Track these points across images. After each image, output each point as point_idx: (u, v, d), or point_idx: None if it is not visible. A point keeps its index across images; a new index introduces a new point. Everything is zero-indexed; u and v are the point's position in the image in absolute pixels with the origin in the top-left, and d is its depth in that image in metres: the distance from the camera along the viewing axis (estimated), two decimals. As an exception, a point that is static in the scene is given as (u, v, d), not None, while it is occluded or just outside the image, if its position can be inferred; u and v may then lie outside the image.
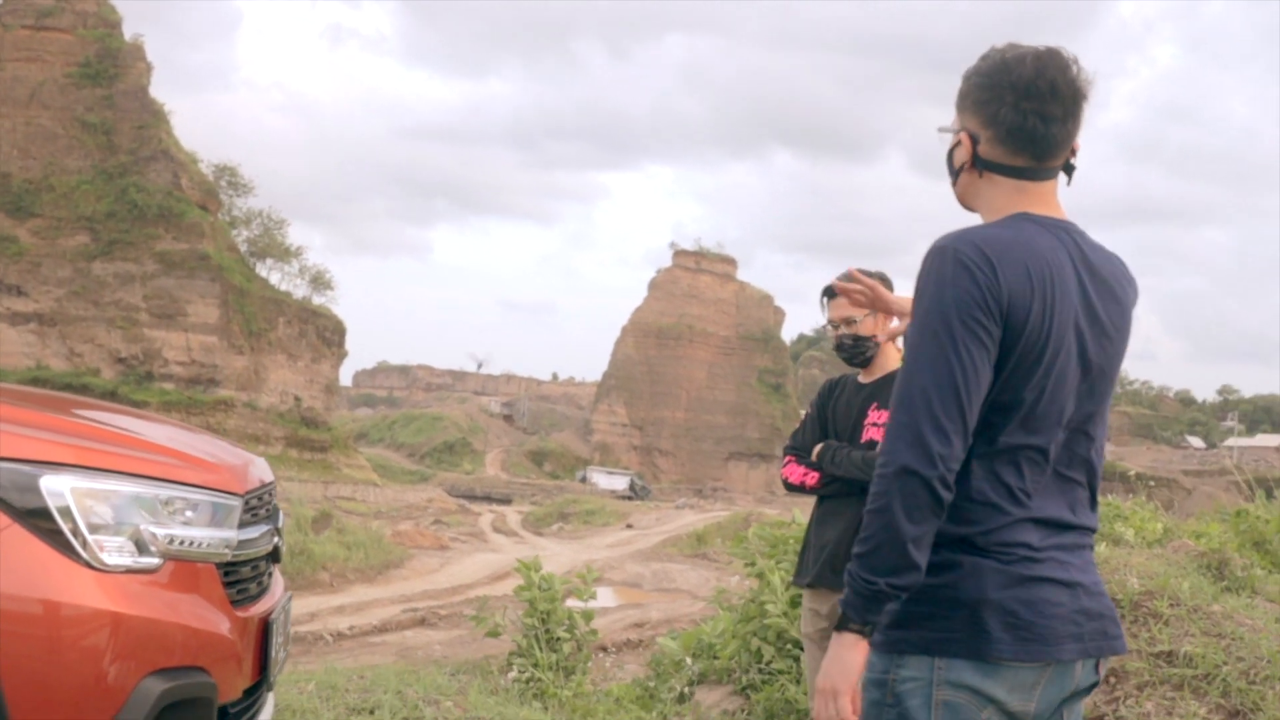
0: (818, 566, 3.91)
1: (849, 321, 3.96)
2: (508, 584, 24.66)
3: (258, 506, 2.95)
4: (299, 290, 65.63)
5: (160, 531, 2.52)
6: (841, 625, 1.94)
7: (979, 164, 2.06)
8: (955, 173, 2.13)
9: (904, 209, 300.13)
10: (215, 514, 2.69)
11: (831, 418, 4.05)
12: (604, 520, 42.84)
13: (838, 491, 3.89)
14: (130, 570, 2.45)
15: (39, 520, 2.36)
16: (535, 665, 5.67)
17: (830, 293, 3.99)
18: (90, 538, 2.40)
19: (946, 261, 1.90)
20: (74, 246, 54.87)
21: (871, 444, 3.86)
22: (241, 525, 2.79)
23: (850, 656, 1.94)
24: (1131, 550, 5.95)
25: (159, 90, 59.85)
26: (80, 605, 2.35)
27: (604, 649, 14.95)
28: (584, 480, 76.51)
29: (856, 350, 3.97)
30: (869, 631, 1.93)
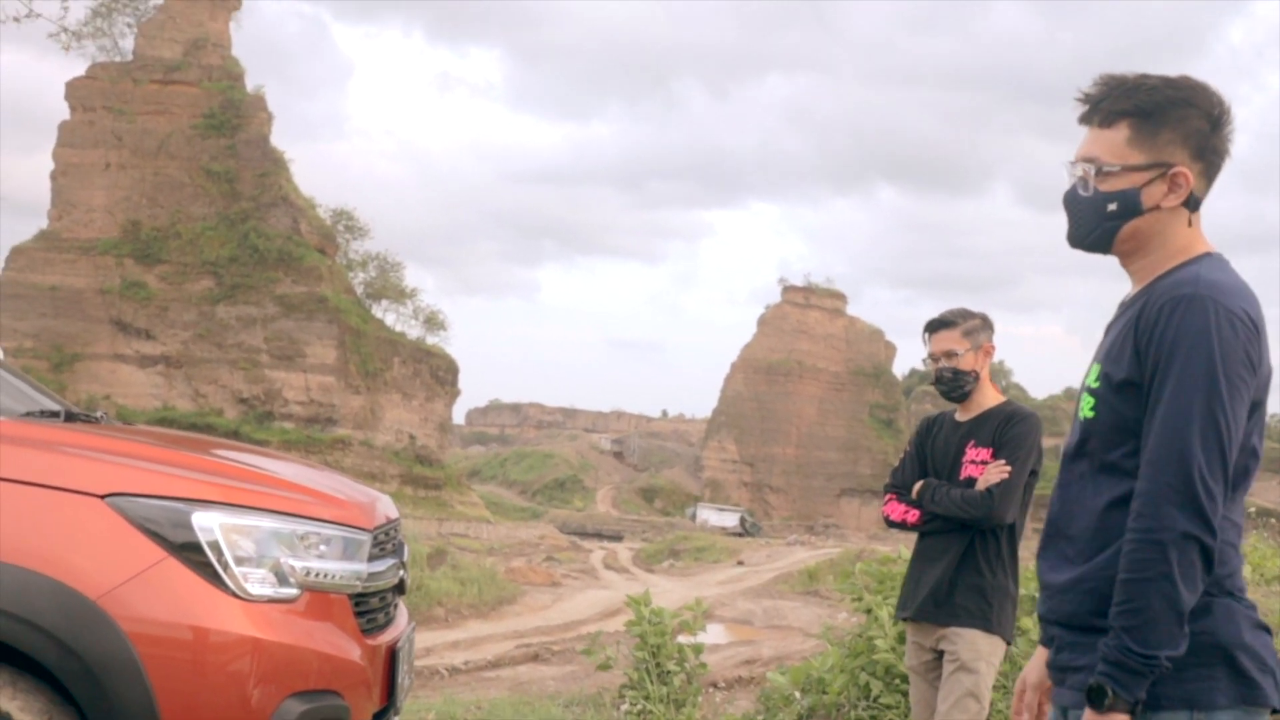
0: (920, 600, 3.97)
1: (950, 355, 4.01)
2: (619, 620, 24.76)
3: (385, 541, 3.14)
4: (413, 331, 67.00)
5: (298, 564, 2.72)
6: (1109, 707, 1.80)
7: (1189, 203, 1.97)
8: (1133, 215, 1.98)
9: (1010, 242, 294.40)
10: (347, 548, 2.88)
11: (930, 455, 4.11)
12: (715, 557, 42.70)
13: (939, 529, 3.95)
14: (272, 600, 2.65)
15: (190, 554, 2.57)
16: (646, 698, 5.79)
17: (933, 326, 4.07)
18: (236, 569, 2.60)
19: (1214, 315, 1.83)
20: (199, 291, 56.87)
21: (970, 481, 3.91)
22: (371, 559, 2.98)
23: None
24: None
25: (279, 139, 61.79)
26: (228, 632, 2.55)
27: (715, 685, 14.95)
28: (694, 517, 76.29)
29: (956, 384, 4.03)
30: (1139, 710, 1.81)
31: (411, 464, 58.57)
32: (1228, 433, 1.82)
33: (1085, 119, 2.06)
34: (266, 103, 61.04)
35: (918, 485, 4.02)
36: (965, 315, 4.09)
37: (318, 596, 2.76)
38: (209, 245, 57.20)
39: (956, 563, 3.91)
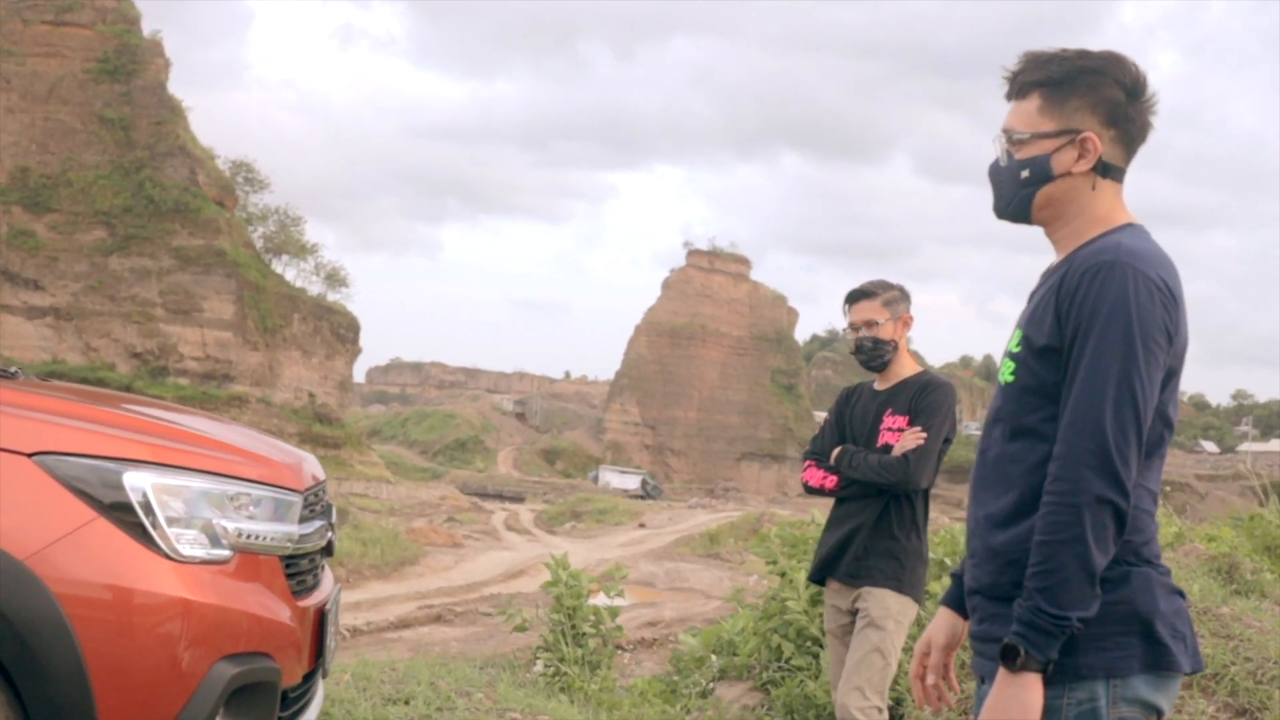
0: (836, 563, 4.07)
1: (870, 324, 4.09)
2: (522, 582, 24.81)
3: (314, 502, 3.11)
4: (314, 287, 65.93)
5: (230, 525, 2.68)
6: (1021, 665, 1.83)
7: (1101, 168, 2.00)
8: (1044, 181, 2.03)
9: (911, 212, 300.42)
10: (278, 509, 2.85)
11: (849, 423, 4.20)
12: (616, 519, 42.98)
13: (855, 494, 4.04)
14: (204, 561, 2.61)
15: (121, 514, 2.52)
16: (561, 660, 5.83)
17: (854, 296, 4.16)
18: (168, 530, 2.56)
19: (1132, 283, 1.86)
20: (91, 241, 55.16)
21: (887, 448, 4.00)
22: (301, 520, 2.95)
23: (1032, 698, 1.84)
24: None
25: (176, 87, 60.01)
26: (160, 593, 2.51)
27: (620, 647, 15.11)
28: (596, 479, 76.60)
29: (875, 353, 4.10)
30: (1051, 669, 1.84)
31: (311, 422, 57.73)
32: (1143, 398, 1.84)
33: (1007, 95, 2.11)
34: (164, 48, 59.23)
35: (836, 451, 4.10)
36: (885, 286, 4.17)
37: (249, 558, 2.72)
38: (101, 194, 55.46)
39: (871, 527, 4.00)
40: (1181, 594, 1.97)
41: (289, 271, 64.75)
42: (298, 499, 2.94)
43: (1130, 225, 2.01)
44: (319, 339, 62.56)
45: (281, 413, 56.26)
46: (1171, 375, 1.92)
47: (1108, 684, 1.87)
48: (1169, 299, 1.89)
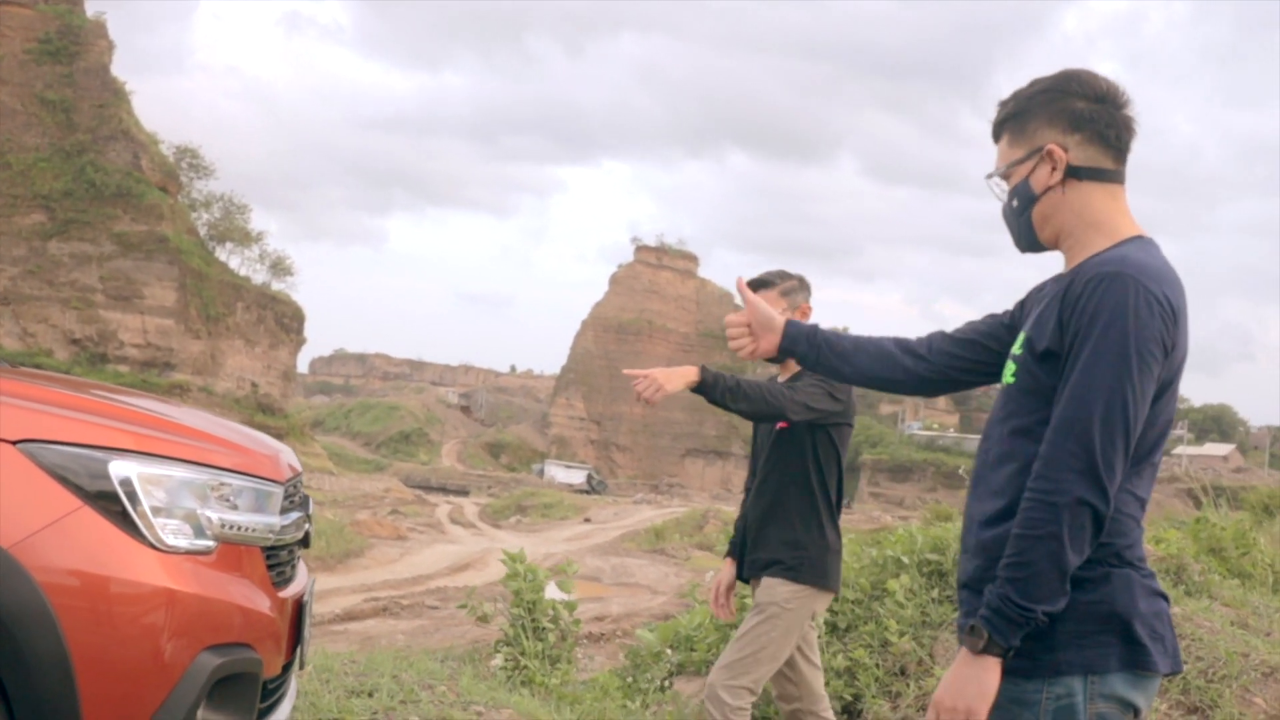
0: (745, 560, 4.13)
1: None
2: (469, 575, 24.72)
3: (293, 494, 3.10)
4: (258, 276, 65.29)
5: (214, 515, 2.66)
6: (982, 649, 1.91)
7: (1074, 173, 2.07)
8: (1031, 203, 2.12)
9: (855, 212, 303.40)
10: (261, 500, 2.83)
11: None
12: (562, 514, 42.93)
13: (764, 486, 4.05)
14: (189, 552, 2.59)
15: (106, 503, 2.50)
16: (522, 654, 5.83)
17: (752, 286, 4.06)
18: (153, 520, 2.54)
19: (1133, 295, 1.90)
20: (29, 225, 54.21)
21: (783, 431, 3.99)
22: (281, 511, 2.94)
23: (990, 680, 1.91)
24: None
25: (118, 71, 59.04)
26: (145, 583, 2.48)
27: (563, 640, 15.12)
28: (541, 473, 76.51)
29: None
30: (1011, 655, 1.91)
31: (253, 412, 57.16)
32: (1133, 407, 1.89)
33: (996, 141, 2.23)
34: (107, 30, 58.29)
35: (693, 373, 3.65)
36: (784, 276, 4.12)
37: (232, 549, 2.71)
38: (41, 178, 54.52)
39: (771, 518, 4.00)
40: (1165, 597, 2.03)
41: (233, 259, 64.12)
42: (279, 490, 2.93)
43: (1139, 238, 2.06)
44: (263, 328, 61.98)
45: (223, 402, 55.65)
46: (1167, 386, 1.98)
47: (1085, 680, 1.92)
48: (1168, 313, 1.93)
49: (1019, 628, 1.88)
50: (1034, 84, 2.12)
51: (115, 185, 54.52)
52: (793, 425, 3.92)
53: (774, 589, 3.92)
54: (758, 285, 4.05)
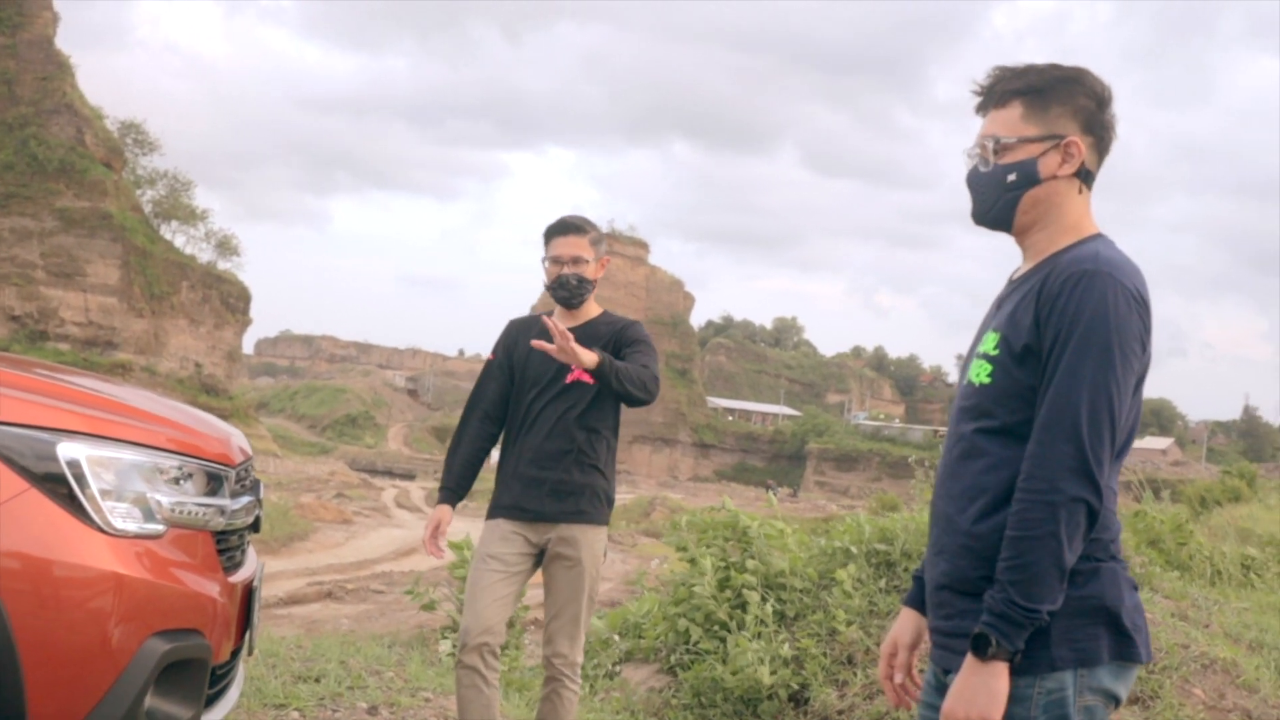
0: (539, 499, 4.02)
1: (577, 261, 3.99)
2: (415, 560, 24.58)
3: (244, 478, 3.07)
4: (204, 255, 64.31)
5: (164, 499, 2.63)
6: (991, 655, 1.91)
7: (1086, 176, 2.09)
8: (1030, 185, 2.10)
9: (797, 203, 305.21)
10: (212, 484, 2.80)
11: (526, 362, 4.04)
12: (509, 499, 42.72)
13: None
14: (138, 535, 2.55)
15: (54, 486, 2.46)
16: (470, 639, 5.80)
17: (564, 229, 4.02)
18: (102, 503, 2.50)
19: (1112, 293, 1.93)
20: (-32, 199, 53.11)
21: (579, 383, 3.93)
22: (232, 495, 2.91)
23: (1000, 685, 1.91)
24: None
25: (62, 43, 57.94)
26: (92, 567, 2.45)
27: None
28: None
29: (579, 291, 4.01)
30: (1018, 658, 1.92)
31: (197, 393, 56.38)
32: (1118, 403, 1.92)
33: (981, 107, 2.17)
34: (52, 1, 57.10)
35: (595, 358, 3.73)
36: (592, 225, 4.08)
37: (182, 533, 2.67)
38: (-19, 151, 53.39)
39: (590, 464, 3.99)
40: (1137, 587, 2.06)
41: (178, 238, 63.08)
42: (230, 474, 2.90)
43: (1101, 236, 2.09)
44: (208, 308, 61.17)
45: (167, 383, 54.84)
46: (1140, 380, 2.00)
47: (1075, 674, 1.94)
48: (1144, 308, 1.97)
49: (1024, 630, 1.89)
50: (1054, 67, 2.09)
51: (58, 160, 53.50)
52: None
53: (595, 544, 4.01)
54: (568, 229, 4.01)
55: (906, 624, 2.28)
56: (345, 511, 33.59)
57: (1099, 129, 2.09)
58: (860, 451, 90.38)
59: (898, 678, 2.26)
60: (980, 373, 2.09)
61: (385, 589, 19.12)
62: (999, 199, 2.13)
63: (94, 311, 54.05)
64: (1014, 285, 2.14)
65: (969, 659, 1.93)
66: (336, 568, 21.71)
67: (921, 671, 2.27)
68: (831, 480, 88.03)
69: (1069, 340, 1.93)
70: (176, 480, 2.70)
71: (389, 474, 64.51)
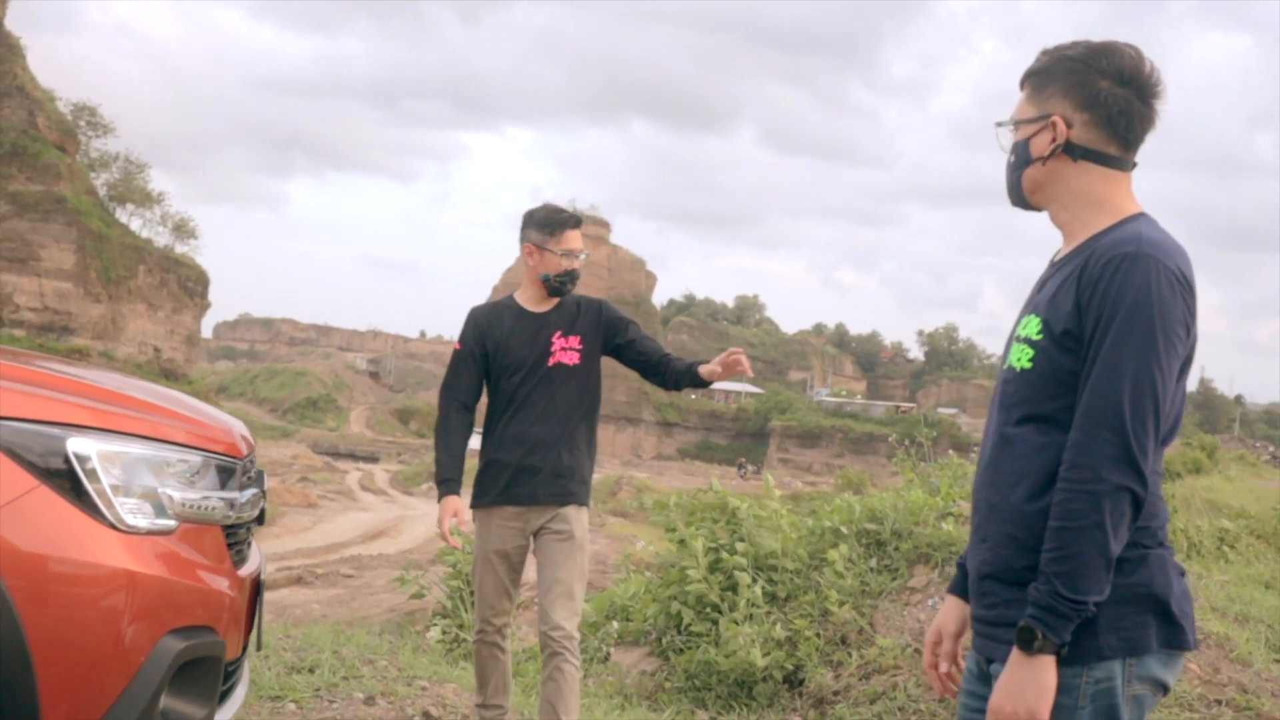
0: (541, 484, 4.04)
1: (577, 254, 4.12)
2: (383, 543, 24.46)
3: (249, 469, 3.00)
4: (161, 238, 63.48)
5: (176, 494, 2.56)
6: (1039, 649, 1.87)
7: (1070, 150, 2.05)
8: (1026, 162, 2.10)
9: (756, 182, 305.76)
10: (221, 477, 2.73)
11: (500, 346, 4.05)
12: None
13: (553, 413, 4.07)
14: (150, 531, 2.48)
15: (64, 482, 2.38)
16: (460, 626, 5.76)
17: (574, 222, 4.13)
18: (113, 499, 2.43)
19: (1155, 275, 1.89)
20: (-83, 183, 52.11)
21: (560, 367, 4.00)
22: (239, 488, 2.84)
23: (1048, 679, 1.88)
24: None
25: (11, 25, 56.84)
26: (105, 565, 2.38)
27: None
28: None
29: (572, 282, 4.13)
30: (1065, 650, 1.88)
31: (155, 378, 55.52)
32: (1162, 389, 1.88)
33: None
34: (0, -19, 55.98)
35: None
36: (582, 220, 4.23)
37: (194, 528, 2.60)
38: (-71, 133, 52.38)
39: (577, 447, 4.05)
40: (1184, 573, 2.02)
41: (134, 221, 62.18)
42: (239, 466, 2.83)
43: (1144, 215, 2.05)
44: (165, 292, 60.42)
45: (125, 368, 54.10)
46: (1187, 363, 1.96)
47: (1124, 663, 1.91)
48: (1188, 290, 1.93)
49: (1071, 621, 1.86)
50: (1069, 46, 2.08)
51: (10, 143, 52.60)
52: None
53: (584, 520, 4.08)
54: (577, 223, 4.16)
55: (951, 612, 2.24)
56: (310, 495, 33.39)
57: (1099, 104, 2.03)
58: (823, 428, 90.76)
59: (943, 667, 2.22)
60: (1021, 357, 2.05)
61: (355, 573, 19.01)
62: (1009, 181, 2.16)
63: (49, 296, 53.27)
64: (1055, 267, 2.10)
65: (1015, 653, 1.90)
66: (304, 552, 21.58)
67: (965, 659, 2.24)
68: (795, 457, 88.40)
69: (1110, 325, 1.90)
70: (187, 474, 2.62)
71: (352, 457, 64.19)
